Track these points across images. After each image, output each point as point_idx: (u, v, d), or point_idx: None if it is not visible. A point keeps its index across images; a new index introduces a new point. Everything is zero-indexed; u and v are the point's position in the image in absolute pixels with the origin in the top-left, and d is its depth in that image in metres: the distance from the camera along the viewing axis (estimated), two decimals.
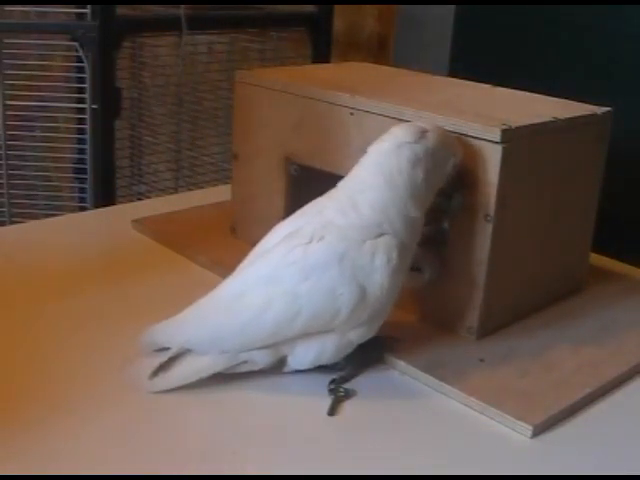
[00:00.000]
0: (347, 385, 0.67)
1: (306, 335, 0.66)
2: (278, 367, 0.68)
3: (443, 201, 0.72)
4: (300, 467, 0.58)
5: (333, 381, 0.67)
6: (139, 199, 1.80)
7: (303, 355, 0.67)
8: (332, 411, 0.64)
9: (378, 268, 0.65)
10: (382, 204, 0.66)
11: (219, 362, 0.66)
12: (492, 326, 0.76)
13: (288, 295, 0.64)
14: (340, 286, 0.64)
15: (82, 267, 0.88)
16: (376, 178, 0.67)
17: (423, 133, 0.68)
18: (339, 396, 0.66)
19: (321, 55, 1.76)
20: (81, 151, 1.55)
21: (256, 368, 0.67)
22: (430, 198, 0.69)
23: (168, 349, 0.67)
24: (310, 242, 0.65)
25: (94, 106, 1.46)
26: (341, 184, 0.70)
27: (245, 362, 0.67)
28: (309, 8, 1.76)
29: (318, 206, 0.69)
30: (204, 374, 0.66)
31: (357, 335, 0.67)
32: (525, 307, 0.80)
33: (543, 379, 0.69)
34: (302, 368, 0.68)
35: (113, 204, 1.50)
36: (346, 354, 0.68)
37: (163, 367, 0.66)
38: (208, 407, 0.64)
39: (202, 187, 1.69)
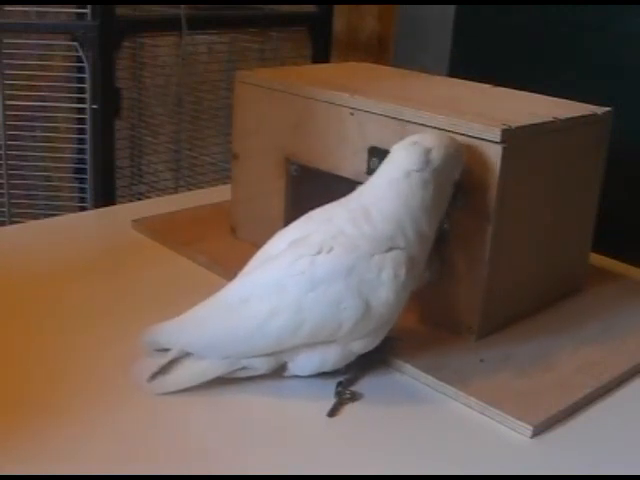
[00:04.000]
0: (351, 387, 0.67)
1: (308, 344, 0.66)
2: (279, 371, 0.68)
3: None
4: (301, 467, 0.58)
5: (340, 384, 0.67)
6: (139, 199, 1.80)
7: (304, 363, 0.67)
8: (332, 412, 0.64)
9: (385, 284, 0.64)
10: (397, 216, 0.66)
11: (219, 367, 0.66)
12: (492, 326, 0.76)
13: (292, 306, 0.63)
14: (345, 300, 0.64)
15: (82, 267, 0.88)
16: (389, 196, 0.67)
17: (427, 155, 0.67)
18: (343, 398, 0.66)
19: (321, 55, 1.76)
20: (81, 151, 1.55)
21: (256, 373, 0.67)
22: (442, 211, 0.70)
23: (169, 350, 0.66)
24: (318, 253, 0.64)
25: (94, 106, 1.46)
26: (354, 194, 0.69)
27: (245, 368, 0.66)
28: (309, 8, 1.76)
29: (328, 213, 0.68)
30: (204, 379, 0.66)
31: (360, 346, 0.67)
32: (525, 307, 0.80)
33: (543, 379, 0.69)
34: (303, 375, 0.68)
35: (113, 204, 1.50)
36: (348, 362, 0.68)
37: (163, 370, 0.66)
38: (210, 408, 0.64)
39: (202, 187, 1.69)
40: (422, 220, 0.67)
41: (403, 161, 0.67)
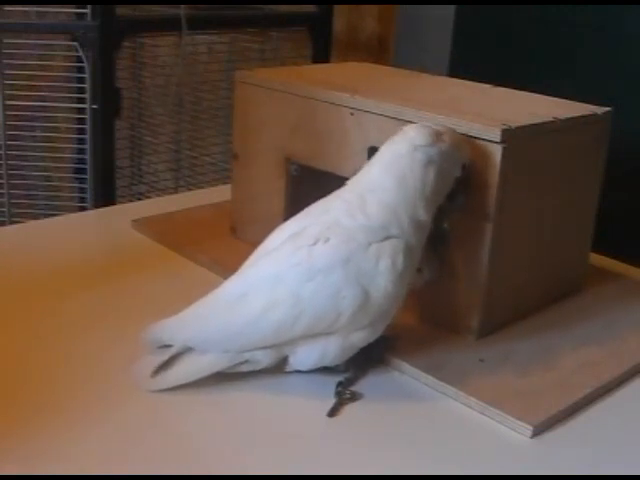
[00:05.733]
0: (351, 387, 0.67)
1: (308, 336, 0.66)
2: (280, 367, 0.68)
3: (444, 201, 0.71)
4: (301, 467, 0.58)
5: (340, 384, 0.67)
6: (139, 199, 1.80)
7: (305, 356, 0.67)
8: (332, 412, 0.64)
9: (382, 272, 0.64)
10: (392, 204, 0.66)
11: (221, 361, 0.66)
12: (492, 326, 0.76)
13: (291, 296, 0.64)
14: (343, 289, 0.64)
15: (82, 267, 0.88)
16: (387, 179, 0.67)
17: (438, 136, 0.67)
18: (343, 398, 0.66)
19: (321, 55, 1.76)
20: (81, 151, 1.55)
21: (258, 367, 0.67)
22: (439, 201, 0.69)
23: (170, 346, 0.67)
24: (315, 244, 0.65)
25: (94, 106, 1.46)
26: (350, 183, 0.70)
27: (247, 361, 0.66)
28: (309, 8, 1.76)
29: (325, 205, 0.68)
30: (206, 373, 0.66)
31: (360, 338, 0.67)
32: (525, 307, 0.80)
33: (543, 379, 0.69)
34: (304, 369, 0.68)
35: (113, 204, 1.50)
36: (349, 356, 0.68)
37: (165, 365, 0.66)
38: (210, 407, 0.64)
39: (202, 187, 1.69)
40: (418, 205, 0.66)
41: (412, 136, 0.68)
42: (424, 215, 0.67)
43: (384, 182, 0.67)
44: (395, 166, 0.67)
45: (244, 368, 0.67)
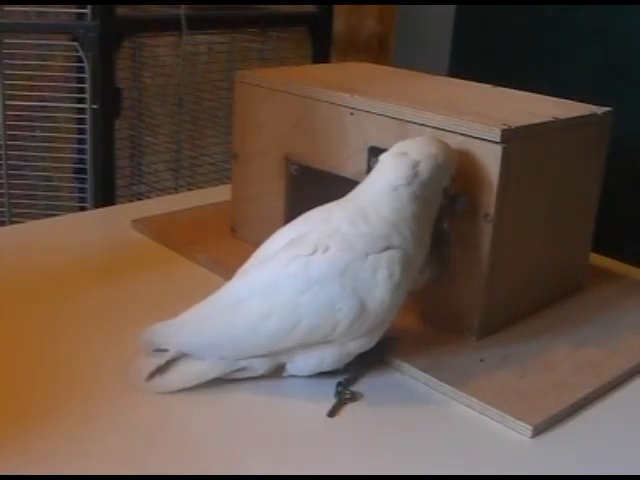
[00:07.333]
0: (351, 387, 0.67)
1: (305, 345, 0.65)
2: (277, 373, 0.68)
3: (447, 202, 0.72)
4: (301, 467, 0.58)
5: (340, 384, 0.67)
6: (139, 199, 1.80)
7: (302, 364, 0.67)
8: (332, 412, 0.64)
9: (379, 284, 0.64)
10: (392, 220, 0.66)
11: (217, 368, 0.66)
12: (492, 326, 0.76)
13: (288, 306, 0.63)
14: (340, 300, 0.64)
15: (82, 267, 0.88)
16: (382, 203, 0.67)
17: (415, 168, 0.67)
18: (343, 398, 0.66)
19: (321, 55, 1.76)
20: (81, 151, 1.55)
21: (254, 375, 0.67)
22: (435, 212, 0.70)
23: (166, 350, 0.66)
24: (314, 253, 0.64)
25: (94, 106, 1.46)
26: (350, 196, 0.69)
27: (244, 369, 0.66)
28: (309, 8, 1.76)
29: (325, 213, 0.68)
30: (201, 379, 0.66)
31: (356, 346, 0.67)
32: (525, 307, 0.80)
33: (543, 379, 0.69)
34: (301, 375, 0.68)
35: (113, 204, 1.50)
36: (346, 362, 0.68)
37: (160, 370, 0.66)
38: (210, 408, 0.64)
39: (202, 187, 1.69)
40: (415, 226, 0.67)
41: (390, 175, 0.67)
42: (422, 233, 0.68)
43: (379, 202, 0.67)
44: (385, 197, 0.67)
45: (240, 375, 0.67)
